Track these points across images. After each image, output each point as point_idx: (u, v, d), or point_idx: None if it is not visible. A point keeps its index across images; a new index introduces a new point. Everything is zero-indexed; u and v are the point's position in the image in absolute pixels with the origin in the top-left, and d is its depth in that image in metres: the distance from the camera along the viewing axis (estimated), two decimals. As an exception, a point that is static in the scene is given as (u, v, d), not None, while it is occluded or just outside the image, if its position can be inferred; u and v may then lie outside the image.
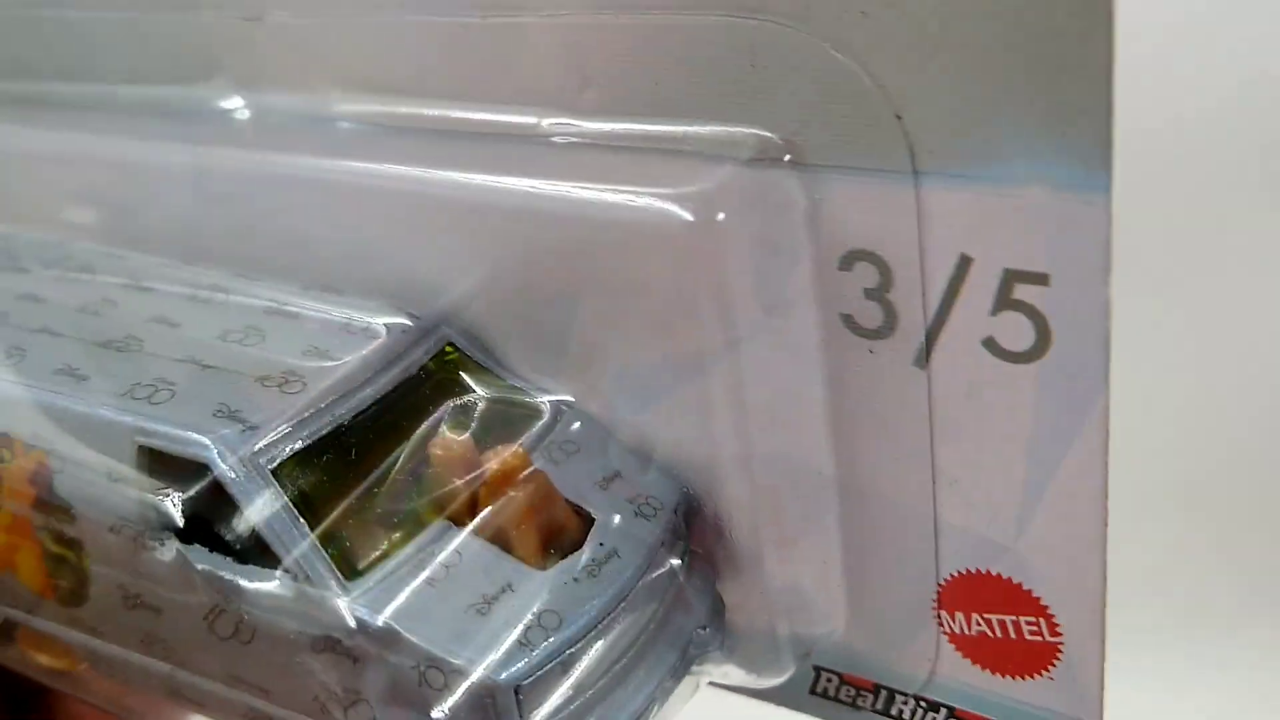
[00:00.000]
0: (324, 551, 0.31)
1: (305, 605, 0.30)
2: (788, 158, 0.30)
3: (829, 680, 0.37)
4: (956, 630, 0.34)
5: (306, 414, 0.32)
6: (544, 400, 0.36)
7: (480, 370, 0.36)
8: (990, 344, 0.29)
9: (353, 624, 0.30)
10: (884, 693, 0.36)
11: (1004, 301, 0.29)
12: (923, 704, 0.36)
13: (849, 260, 0.30)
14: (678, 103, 0.31)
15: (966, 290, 0.29)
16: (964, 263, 0.29)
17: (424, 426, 0.34)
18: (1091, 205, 0.27)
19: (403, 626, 0.30)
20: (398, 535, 0.32)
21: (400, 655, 0.30)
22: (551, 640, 0.30)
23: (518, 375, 0.36)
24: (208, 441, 0.31)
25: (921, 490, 0.32)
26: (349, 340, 0.35)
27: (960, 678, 0.35)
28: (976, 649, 0.34)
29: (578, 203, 0.31)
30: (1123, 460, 0.30)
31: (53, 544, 0.35)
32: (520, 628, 0.30)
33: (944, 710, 0.36)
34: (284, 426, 0.32)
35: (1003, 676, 0.34)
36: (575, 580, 0.32)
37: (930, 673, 0.35)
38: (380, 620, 0.30)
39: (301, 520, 0.31)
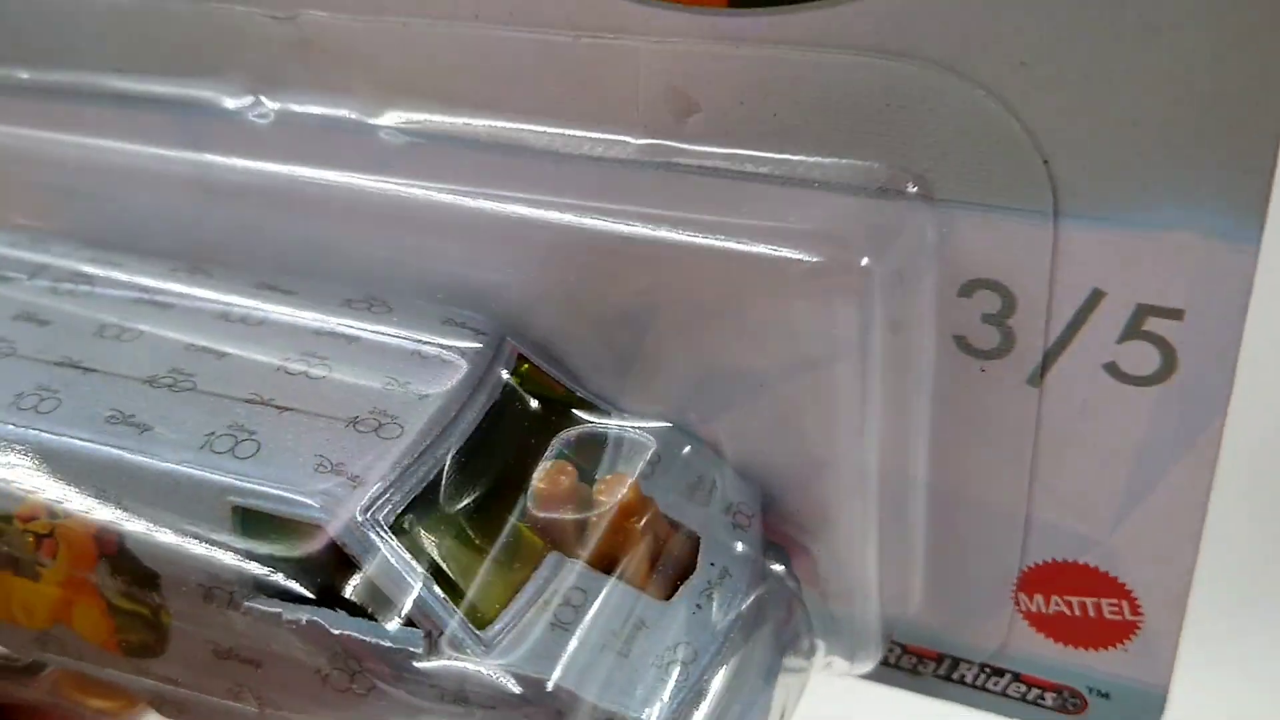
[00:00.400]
0: (452, 604, 0.30)
1: (449, 668, 0.30)
2: (914, 190, 0.30)
3: (890, 650, 0.39)
4: (1033, 609, 0.36)
5: (410, 461, 0.31)
6: (625, 415, 0.35)
7: (554, 383, 0.35)
8: (1112, 368, 0.30)
9: (516, 689, 0.29)
10: (948, 660, 0.38)
11: (1133, 332, 0.30)
12: (987, 669, 0.38)
13: (970, 288, 0.31)
14: (798, 134, 0.30)
15: (1094, 320, 0.30)
16: (1095, 296, 0.29)
17: (525, 456, 0.33)
18: (1240, 253, 0.28)
19: (565, 682, 0.29)
20: (514, 573, 0.32)
21: (549, 708, 0.30)
22: (690, 673, 0.31)
23: (583, 384, 0.36)
24: (317, 503, 0.30)
25: (1016, 492, 0.33)
26: (425, 367, 0.34)
27: (1031, 649, 0.37)
28: (1052, 625, 0.36)
29: (713, 234, 0.30)
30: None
31: (122, 601, 0.33)
32: (666, 668, 0.31)
33: (1009, 675, 0.38)
34: (391, 477, 0.31)
35: (1075, 648, 0.36)
36: (699, 607, 0.32)
37: (1001, 645, 0.37)
38: (551, 684, 0.29)
39: (426, 575, 0.30)
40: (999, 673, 0.38)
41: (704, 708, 0.31)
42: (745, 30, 0.29)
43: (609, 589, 0.32)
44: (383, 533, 0.30)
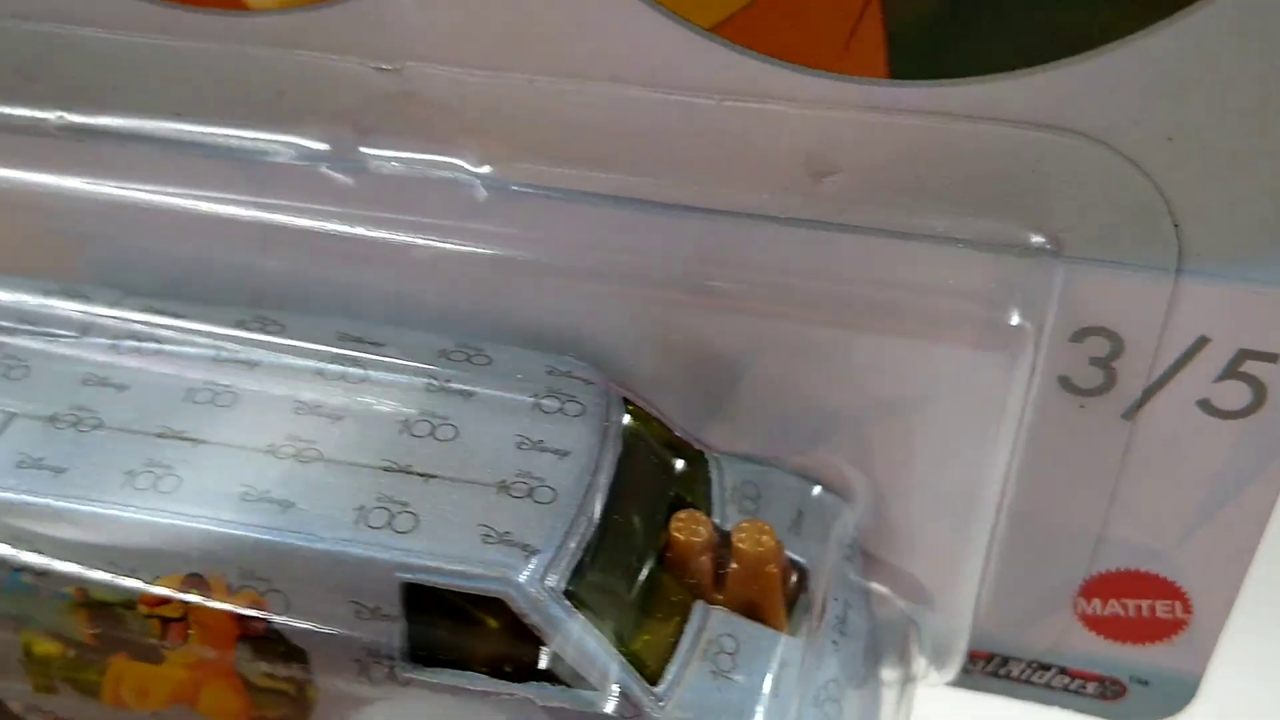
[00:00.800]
0: (631, 666, 0.31)
1: None
2: (1047, 248, 0.32)
3: (941, 652, 0.41)
4: (1090, 612, 0.39)
5: (568, 524, 0.32)
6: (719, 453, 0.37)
7: (657, 424, 0.36)
8: (1204, 404, 0.34)
9: None
10: (997, 659, 0.41)
11: (1230, 373, 0.33)
12: (1034, 665, 0.41)
13: (1082, 334, 0.33)
14: (940, 196, 0.32)
15: (1196, 362, 0.33)
16: (1201, 342, 0.32)
17: (654, 504, 0.34)
18: (1342, 306, 0.31)
19: None
20: (666, 625, 0.33)
21: None
22: (838, 705, 0.33)
23: (673, 420, 0.37)
24: (495, 576, 0.30)
25: (1094, 512, 0.36)
26: (551, 422, 0.34)
27: (1081, 646, 0.40)
28: (1105, 625, 0.39)
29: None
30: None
31: (263, 679, 0.32)
32: (823, 706, 0.32)
33: (1055, 669, 0.41)
34: (556, 543, 0.31)
35: (1123, 643, 0.40)
36: (835, 643, 0.34)
37: (1053, 644, 0.40)
38: None
39: (605, 640, 0.31)
40: (1045, 668, 0.41)
41: None
42: (901, 100, 0.30)
43: (756, 634, 0.33)
44: (561, 602, 0.31)
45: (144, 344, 0.36)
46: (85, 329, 0.36)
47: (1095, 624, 0.39)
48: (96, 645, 0.33)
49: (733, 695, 0.31)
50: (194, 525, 0.31)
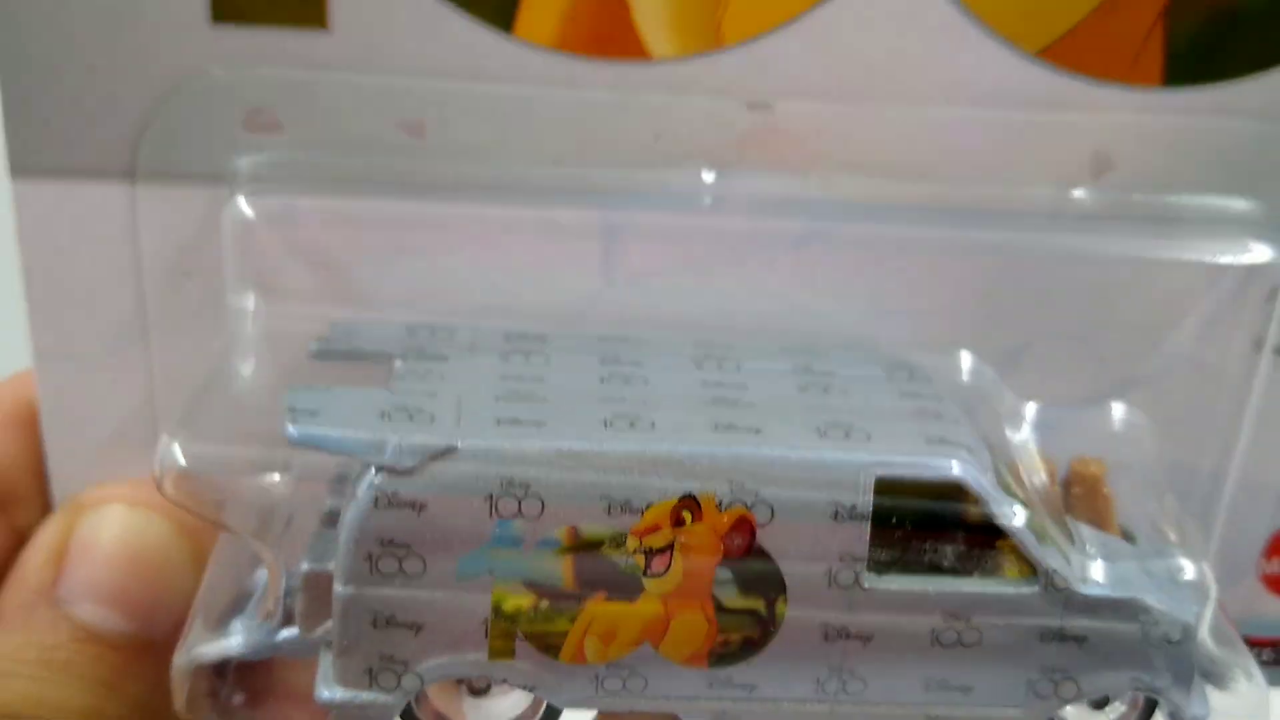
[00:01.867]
0: (1058, 551, 0.37)
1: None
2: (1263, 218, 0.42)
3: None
4: (1270, 571, 0.47)
5: (976, 439, 0.38)
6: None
7: None
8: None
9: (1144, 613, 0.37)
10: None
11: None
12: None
13: (1274, 293, 0.43)
14: (1192, 182, 0.42)
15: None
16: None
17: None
18: None
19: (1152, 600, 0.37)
20: (1054, 525, 0.38)
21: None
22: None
23: None
24: (959, 466, 0.36)
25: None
26: (910, 382, 0.40)
27: (1263, 610, 0.48)
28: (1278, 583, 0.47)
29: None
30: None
31: (737, 599, 0.36)
32: (1180, 585, 0.39)
33: (1238, 640, 0.48)
34: (979, 447, 0.37)
35: (1290, 599, 0.48)
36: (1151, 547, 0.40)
37: (1240, 612, 0.48)
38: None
39: (1029, 523, 0.37)
40: (1228, 640, 0.48)
41: None
42: (1169, 103, 0.40)
43: (1109, 539, 0.39)
44: (999, 489, 0.36)
45: (531, 359, 0.40)
46: (464, 346, 0.40)
47: (1274, 584, 0.47)
48: (575, 590, 0.35)
49: (1125, 572, 0.37)
50: (688, 447, 0.35)
